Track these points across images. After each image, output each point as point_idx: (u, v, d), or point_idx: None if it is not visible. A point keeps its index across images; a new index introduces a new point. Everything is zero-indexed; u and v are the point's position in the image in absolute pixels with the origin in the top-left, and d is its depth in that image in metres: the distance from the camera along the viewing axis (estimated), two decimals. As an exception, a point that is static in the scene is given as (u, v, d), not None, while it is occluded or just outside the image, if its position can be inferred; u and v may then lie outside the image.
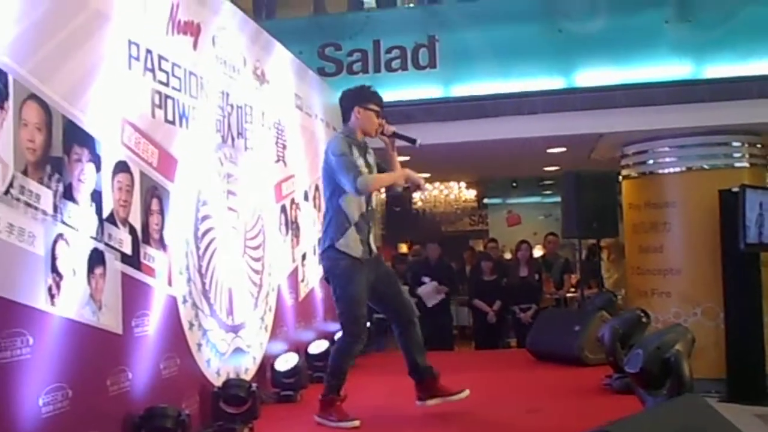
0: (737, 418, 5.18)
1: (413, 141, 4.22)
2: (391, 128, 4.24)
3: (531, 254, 8.93)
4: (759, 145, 7.95)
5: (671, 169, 7.98)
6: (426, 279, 8.29)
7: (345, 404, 4.11)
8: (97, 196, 3.06)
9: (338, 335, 4.34)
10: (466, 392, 4.21)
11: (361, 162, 4.08)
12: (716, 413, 2.60)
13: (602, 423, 3.61)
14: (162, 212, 3.60)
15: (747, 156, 7.91)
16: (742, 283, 7.33)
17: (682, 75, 7.40)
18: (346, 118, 4.25)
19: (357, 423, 4.01)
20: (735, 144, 7.87)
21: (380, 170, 4.25)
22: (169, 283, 3.64)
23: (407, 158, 9.08)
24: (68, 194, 2.88)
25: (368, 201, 4.18)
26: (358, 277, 4.05)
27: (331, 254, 4.08)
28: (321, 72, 7.51)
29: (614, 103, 7.40)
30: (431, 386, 4.22)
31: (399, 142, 4.31)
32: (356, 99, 4.21)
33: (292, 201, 5.63)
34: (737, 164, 7.87)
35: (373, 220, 4.27)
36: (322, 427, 4.08)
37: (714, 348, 7.08)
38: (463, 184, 14.35)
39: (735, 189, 7.26)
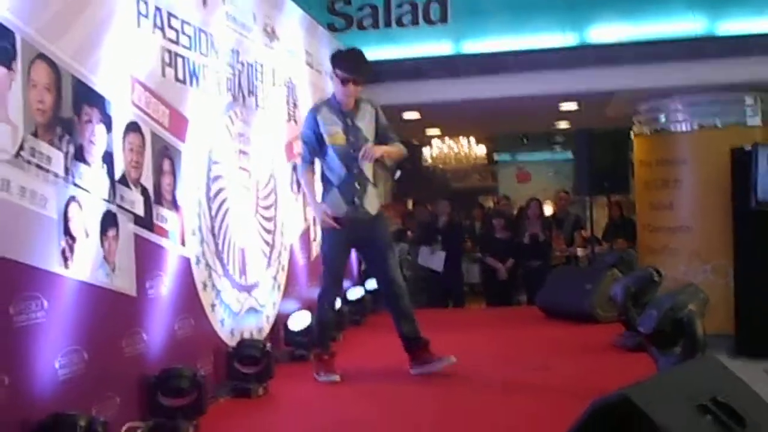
0: (746, 373, 5.23)
1: (393, 173, 4.41)
2: (377, 154, 4.24)
3: (541, 211, 8.90)
4: (772, 102, 7.87)
5: (683, 127, 7.90)
6: (424, 248, 8.29)
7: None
8: (108, 158, 3.04)
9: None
10: (453, 359, 4.23)
11: (335, 129, 4.16)
12: (733, 375, 2.58)
13: (615, 381, 3.61)
14: (174, 173, 3.58)
15: (760, 113, 7.81)
16: (752, 240, 7.32)
17: (695, 31, 7.28)
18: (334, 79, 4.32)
19: (336, 378, 4.15)
20: (748, 101, 7.78)
21: (379, 131, 4.32)
22: (183, 244, 3.64)
23: (417, 115, 9.06)
24: (79, 156, 2.85)
25: (351, 163, 4.18)
26: (335, 236, 4.24)
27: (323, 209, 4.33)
28: (331, 27, 7.41)
29: (626, 60, 7.29)
30: (417, 353, 4.28)
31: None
32: (332, 61, 4.24)
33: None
34: (750, 122, 7.80)
35: (364, 179, 4.24)
36: (333, 385, 4.12)
37: (723, 304, 7.07)
38: (473, 140, 14.25)
39: (747, 147, 7.20)
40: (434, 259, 8.23)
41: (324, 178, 4.29)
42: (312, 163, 4.31)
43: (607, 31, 7.44)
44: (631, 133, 8.51)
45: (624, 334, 4.78)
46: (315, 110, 4.26)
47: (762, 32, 7.08)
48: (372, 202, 4.28)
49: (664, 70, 7.27)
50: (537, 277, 7.45)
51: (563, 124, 11.04)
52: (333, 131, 4.16)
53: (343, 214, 4.21)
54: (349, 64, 4.15)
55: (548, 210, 10.34)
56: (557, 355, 4.77)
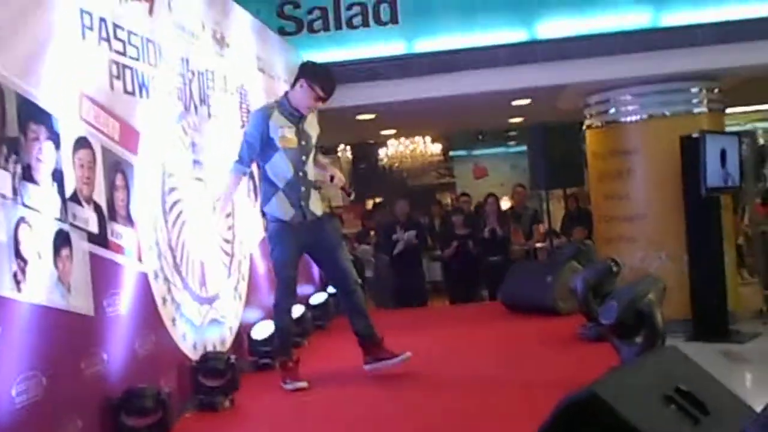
0: (703, 356, 5.34)
1: (349, 195, 4.83)
2: (341, 183, 4.48)
3: (498, 207, 8.97)
4: (716, 91, 8.07)
5: (633, 117, 8.06)
6: (396, 237, 8.31)
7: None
8: (58, 175, 2.95)
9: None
10: (408, 354, 4.26)
11: (287, 131, 4.17)
12: (693, 363, 2.63)
13: (580, 372, 3.68)
14: (127, 187, 3.50)
15: (705, 102, 8.02)
16: (703, 226, 7.50)
17: (641, 23, 7.41)
18: (293, 85, 4.30)
19: (303, 384, 4.14)
20: (693, 90, 7.97)
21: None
22: (140, 260, 3.56)
23: (372, 116, 9.05)
24: (27, 175, 2.77)
25: (300, 167, 4.21)
26: (285, 240, 4.22)
27: (264, 217, 4.38)
28: (281, 32, 7.36)
29: (575, 54, 7.39)
30: (372, 349, 4.32)
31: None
32: (306, 72, 4.24)
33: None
34: (696, 110, 8.00)
35: (310, 184, 4.29)
36: (301, 394, 4.09)
37: (679, 290, 7.21)
38: (428, 139, 14.31)
39: (695, 135, 7.36)
40: (406, 239, 8.24)
41: (267, 183, 4.25)
42: (248, 165, 4.30)
43: (555, 26, 7.52)
44: (584, 125, 8.63)
45: (586, 326, 4.84)
46: (265, 113, 4.23)
47: (705, 22, 7.23)
48: (316, 204, 4.33)
49: (612, 63, 7.39)
50: (498, 273, 7.51)
51: (517, 120, 11.13)
52: (287, 134, 4.16)
53: (290, 218, 4.20)
54: (327, 84, 4.21)
55: (506, 205, 10.43)
56: (522, 350, 4.82)
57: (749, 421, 1.76)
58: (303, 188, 4.23)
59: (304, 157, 4.23)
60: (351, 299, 4.36)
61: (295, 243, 4.24)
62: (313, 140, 4.33)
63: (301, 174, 4.22)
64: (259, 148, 4.18)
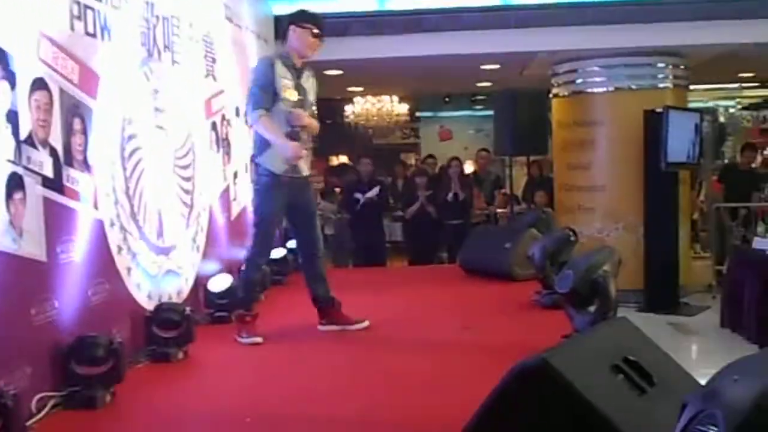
0: (653, 326, 5.46)
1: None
2: (303, 122, 4.17)
3: (462, 170, 9.00)
4: (682, 67, 8.16)
5: (599, 89, 8.12)
6: (359, 196, 8.30)
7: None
8: (13, 117, 2.86)
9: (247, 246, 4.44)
10: (366, 323, 4.32)
11: (287, 83, 4.10)
12: (642, 334, 2.69)
13: (533, 338, 3.74)
14: (85, 132, 3.42)
15: (671, 77, 8.13)
16: (661, 200, 7.65)
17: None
18: (283, 36, 4.24)
19: (259, 340, 4.13)
20: (660, 65, 8.06)
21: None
22: (95, 207, 3.50)
23: (340, 71, 8.95)
24: (-20, 115, 2.69)
25: (296, 122, 4.15)
26: (274, 195, 4.16)
27: (255, 168, 4.27)
28: (250, -20, 7.20)
29: (546, 22, 7.38)
30: (331, 314, 4.36)
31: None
32: (293, 17, 4.21)
33: (223, 117, 5.46)
34: (661, 85, 8.09)
35: (305, 141, 4.24)
36: (255, 347, 4.09)
37: (633, 260, 7.37)
38: (395, 98, 14.23)
39: (659, 109, 7.44)
40: (367, 197, 8.25)
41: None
42: (267, 109, 4.06)
43: (528, -8, 7.48)
44: (550, 94, 8.65)
45: (541, 293, 4.89)
46: (270, 61, 4.15)
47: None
48: (306, 162, 4.29)
49: (583, 33, 7.40)
50: (458, 236, 7.57)
51: (485, 84, 11.11)
52: (287, 84, 4.11)
53: (282, 172, 4.14)
54: (318, 21, 4.18)
55: (469, 168, 10.46)
56: (477, 314, 4.86)
57: (691, 393, 1.81)
58: (300, 144, 4.16)
59: (301, 111, 4.16)
60: (314, 264, 4.36)
61: (282, 199, 4.18)
62: (311, 97, 4.26)
63: (297, 128, 4.16)
64: (272, 94, 4.07)
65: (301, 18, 4.18)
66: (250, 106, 4.11)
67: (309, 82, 4.27)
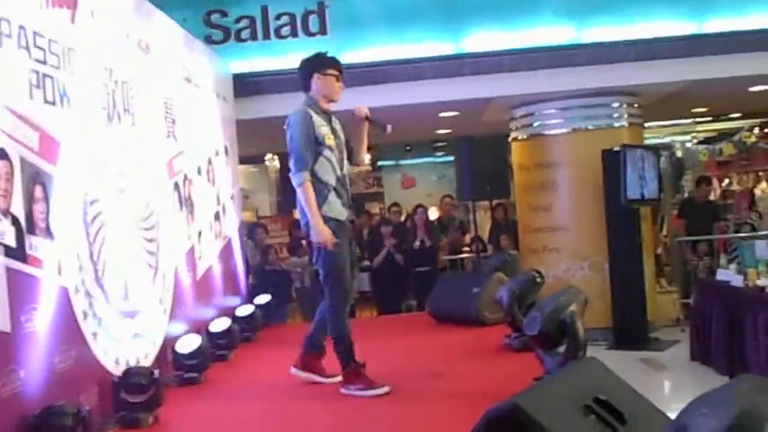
0: (624, 363, 5.49)
1: (384, 128, 4.23)
2: (365, 111, 4.24)
3: (427, 217, 9.07)
4: (636, 105, 8.35)
5: (557, 131, 8.25)
6: None
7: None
8: (-26, 188, 2.86)
9: (324, 303, 4.31)
10: (338, 378, 4.21)
11: (325, 131, 4.12)
12: (612, 373, 2.72)
13: (505, 382, 3.75)
14: (47, 199, 3.41)
15: (626, 116, 8.28)
16: (624, 236, 7.74)
17: (565, 39, 7.61)
18: (306, 87, 4.25)
19: (387, 389, 4.02)
20: (614, 105, 8.22)
21: (347, 146, 4.29)
22: (59, 273, 3.47)
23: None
24: (-59, 187, 2.68)
25: (341, 165, 4.19)
26: (343, 242, 4.11)
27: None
28: (208, 40, 7.29)
29: (501, 68, 7.55)
30: (311, 362, 4.34)
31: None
32: (314, 66, 4.23)
33: (185, 177, 5.47)
34: (617, 124, 8.24)
35: (348, 184, 4.27)
36: (228, 407, 4.04)
37: (600, 299, 7.42)
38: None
39: (616, 148, 7.60)
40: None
41: (320, 183, 4.09)
42: (310, 169, 4.04)
43: (482, 40, 7.65)
44: (509, 138, 8.79)
45: (511, 336, 4.92)
46: (306, 112, 4.12)
47: (625, 39, 7.47)
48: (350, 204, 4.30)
49: (537, 77, 7.57)
50: (426, 283, 7.59)
51: (444, 131, 11.26)
52: (326, 132, 4.11)
53: (345, 217, 4.15)
54: (339, 64, 4.24)
55: (434, 215, 10.54)
56: (449, 361, 4.86)
57: (663, 428, 1.84)
58: (346, 188, 4.20)
59: (341, 155, 4.19)
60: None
61: (346, 244, 4.16)
62: (343, 138, 4.27)
63: (344, 173, 4.19)
64: (314, 146, 4.06)
65: (325, 65, 4.20)
66: (295, 167, 4.05)
67: (338, 124, 4.28)
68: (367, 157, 4.38)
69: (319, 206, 4.06)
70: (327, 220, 4.07)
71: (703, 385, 2.80)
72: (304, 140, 4.04)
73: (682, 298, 8.73)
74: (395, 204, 10.89)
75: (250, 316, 6.08)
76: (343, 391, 4.09)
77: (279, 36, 7.65)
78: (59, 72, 3.61)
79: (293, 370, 4.33)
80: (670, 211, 10.19)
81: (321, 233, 4.01)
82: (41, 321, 3.28)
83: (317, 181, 4.09)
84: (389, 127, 4.22)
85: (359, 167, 4.44)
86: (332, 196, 4.11)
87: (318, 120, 4.12)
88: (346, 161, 4.27)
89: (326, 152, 4.10)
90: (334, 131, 4.20)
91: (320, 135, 4.09)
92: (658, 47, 7.42)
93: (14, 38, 3.25)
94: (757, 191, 12.42)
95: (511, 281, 5.35)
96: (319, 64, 4.23)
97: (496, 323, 5.51)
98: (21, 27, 3.30)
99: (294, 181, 4.09)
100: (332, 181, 4.12)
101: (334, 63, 4.24)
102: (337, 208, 4.12)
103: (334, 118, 4.28)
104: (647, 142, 9.42)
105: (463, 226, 9.39)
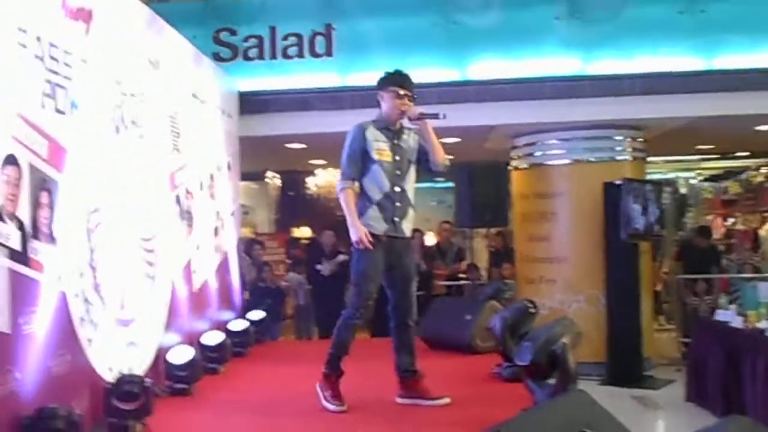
0: (615, 400, 5.47)
1: (436, 116, 4.26)
2: (417, 111, 4.26)
3: (422, 242, 9.10)
4: (640, 140, 8.35)
5: (558, 161, 8.26)
6: (320, 267, 8.35)
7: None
8: (-18, 191, 2.92)
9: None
10: (447, 400, 4.26)
11: (380, 146, 4.19)
12: (601, 408, 2.73)
13: (492, 412, 3.76)
14: (51, 205, 3.46)
15: (629, 150, 8.27)
16: (622, 270, 7.69)
17: (570, 70, 7.66)
18: (378, 104, 4.34)
19: (344, 408, 4.11)
20: (618, 138, 8.22)
21: (423, 156, 4.33)
22: (59, 278, 3.51)
23: (303, 145, 9.10)
24: (-50, 189, 2.74)
25: (395, 181, 4.22)
26: (373, 254, 4.17)
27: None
28: (216, 57, 7.38)
29: (505, 96, 7.60)
30: (412, 386, 4.32)
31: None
32: (379, 84, 4.32)
33: (186, 191, 5.52)
34: (619, 157, 8.24)
35: (405, 201, 4.30)
36: (218, 420, 4.07)
37: (595, 333, 7.40)
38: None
39: (618, 181, 7.61)
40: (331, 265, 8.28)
41: (363, 197, 4.24)
42: (354, 180, 4.23)
43: (486, 68, 7.71)
44: (510, 166, 8.83)
45: (502, 365, 4.91)
46: (361, 127, 4.25)
47: (631, 73, 7.50)
48: (409, 224, 4.35)
49: (541, 107, 7.61)
50: (419, 308, 7.54)
51: (446, 157, 11.30)
52: (381, 147, 4.20)
53: (383, 231, 4.20)
54: (399, 78, 4.27)
55: (431, 240, 10.57)
56: (438, 387, 4.82)
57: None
58: (399, 204, 4.24)
59: (398, 172, 4.23)
60: (406, 333, 4.37)
61: (381, 258, 4.20)
62: (411, 156, 4.31)
63: (397, 189, 4.23)
64: (360, 162, 4.18)
65: (385, 83, 4.28)
66: (340, 176, 4.27)
67: (410, 140, 4.31)
68: (445, 158, 4.41)
69: (359, 217, 4.19)
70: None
71: (697, 427, 2.81)
72: (350, 153, 4.21)
73: (680, 337, 8.65)
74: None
75: (244, 331, 6.10)
76: (317, 386, 4.20)
77: (286, 56, 7.74)
78: (71, 83, 3.68)
79: (399, 401, 4.31)
80: (671, 248, 10.10)
81: (357, 231, 4.14)
82: (39, 324, 3.32)
83: (363, 193, 4.25)
84: (442, 114, 4.25)
85: (437, 169, 4.47)
86: (371, 211, 4.21)
87: (374, 135, 4.21)
88: (409, 177, 4.31)
89: (374, 167, 4.19)
90: (395, 147, 4.25)
91: (371, 149, 4.19)
92: (664, 82, 7.44)
93: (30, 48, 3.32)
94: (762, 232, 12.17)
95: (504, 310, 5.36)
96: (382, 81, 4.32)
97: (488, 351, 5.51)
98: (38, 38, 3.37)
99: (337, 187, 4.29)
100: (377, 196, 4.21)
101: (394, 80, 4.28)
102: (376, 222, 4.20)
103: (404, 135, 4.31)
104: (651, 176, 9.40)
105: (461, 253, 9.41)
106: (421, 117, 4.26)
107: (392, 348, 4.39)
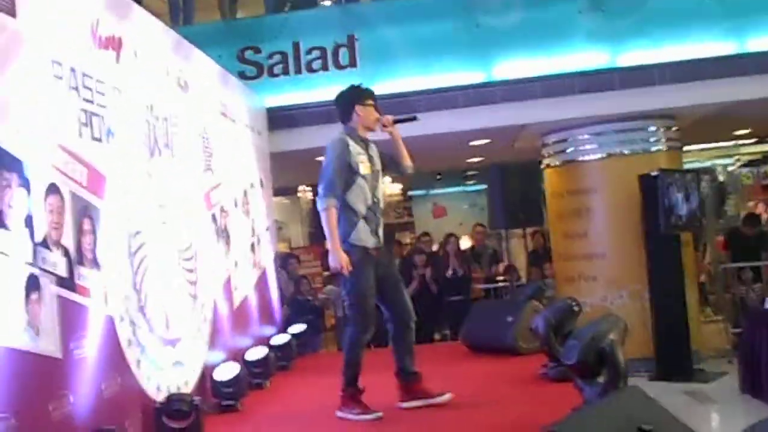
0: (667, 395, 5.37)
1: (414, 118, 4.41)
2: (390, 118, 4.39)
3: (458, 246, 9.06)
4: (674, 129, 8.15)
5: (591, 156, 8.09)
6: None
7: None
8: (29, 221, 2.99)
9: (347, 329, 4.39)
10: (448, 395, 4.30)
11: (362, 158, 4.24)
12: (655, 402, 2.70)
13: (543, 412, 3.73)
14: (94, 231, 3.53)
15: (663, 140, 8.07)
16: (665, 263, 7.50)
17: (598, 64, 7.55)
18: (345, 118, 4.39)
19: (380, 414, 4.11)
20: (651, 129, 8.03)
21: (383, 163, 4.40)
22: (105, 302, 3.57)
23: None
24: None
25: (374, 193, 4.28)
26: (368, 270, 4.20)
27: (344, 248, 4.16)
28: (242, 76, 7.43)
29: (533, 94, 7.52)
30: (413, 389, 4.33)
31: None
32: (354, 98, 4.38)
33: (222, 209, 5.58)
34: (654, 148, 8.03)
35: (380, 212, 4.34)
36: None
37: (641, 328, 7.23)
38: (387, 179, 14.40)
39: (654, 173, 7.47)
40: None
41: (349, 211, 4.20)
42: (337, 197, 4.17)
43: (513, 67, 7.65)
44: (542, 164, 8.76)
45: (548, 365, 4.86)
46: (344, 140, 4.27)
47: (661, 62, 7.39)
48: (382, 232, 4.37)
49: (570, 103, 7.49)
50: (459, 312, 7.56)
51: (475, 159, 11.28)
52: (362, 159, 4.25)
53: (373, 245, 4.23)
54: (370, 92, 4.41)
55: (466, 244, 10.53)
56: (484, 391, 4.82)
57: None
58: (377, 214, 4.29)
59: (375, 183, 4.30)
60: (407, 335, 4.40)
61: (373, 272, 4.23)
62: (379, 166, 4.38)
63: (376, 200, 4.29)
64: (347, 175, 4.19)
65: (363, 96, 4.37)
66: (323, 191, 4.17)
67: (375, 152, 4.39)
68: (410, 164, 4.51)
69: (348, 234, 4.18)
70: (353, 247, 4.18)
71: (754, 418, 2.75)
72: (337, 166, 4.18)
73: (731, 327, 8.43)
74: (425, 233, 10.92)
75: (286, 345, 6.13)
76: (338, 414, 4.18)
77: (310, 70, 7.77)
78: (105, 110, 3.74)
79: (402, 405, 4.32)
80: (713, 238, 9.88)
81: (337, 258, 4.11)
82: (89, 348, 3.38)
83: (348, 209, 4.21)
84: (417, 115, 4.41)
85: (407, 172, 4.53)
86: (361, 224, 4.21)
87: (356, 148, 4.25)
88: (381, 189, 4.37)
89: (359, 180, 4.22)
90: (371, 159, 4.31)
91: (355, 163, 4.21)
92: (695, 68, 7.30)
93: (66, 80, 3.40)
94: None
95: (546, 310, 5.32)
96: (358, 95, 4.38)
97: (532, 352, 5.47)
98: (72, 69, 3.45)
99: (319, 205, 4.20)
100: (363, 210, 4.23)
101: (371, 94, 4.40)
102: (366, 236, 4.21)
103: (371, 146, 4.39)
104: (688, 166, 9.19)
105: (496, 255, 9.36)
106: (397, 122, 4.40)
107: (393, 354, 4.41)
